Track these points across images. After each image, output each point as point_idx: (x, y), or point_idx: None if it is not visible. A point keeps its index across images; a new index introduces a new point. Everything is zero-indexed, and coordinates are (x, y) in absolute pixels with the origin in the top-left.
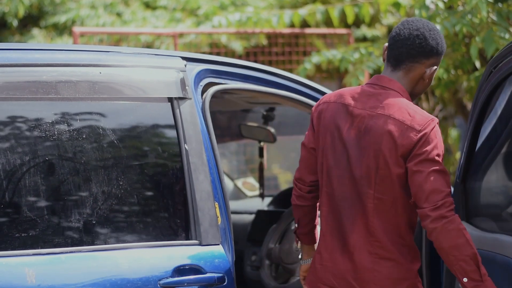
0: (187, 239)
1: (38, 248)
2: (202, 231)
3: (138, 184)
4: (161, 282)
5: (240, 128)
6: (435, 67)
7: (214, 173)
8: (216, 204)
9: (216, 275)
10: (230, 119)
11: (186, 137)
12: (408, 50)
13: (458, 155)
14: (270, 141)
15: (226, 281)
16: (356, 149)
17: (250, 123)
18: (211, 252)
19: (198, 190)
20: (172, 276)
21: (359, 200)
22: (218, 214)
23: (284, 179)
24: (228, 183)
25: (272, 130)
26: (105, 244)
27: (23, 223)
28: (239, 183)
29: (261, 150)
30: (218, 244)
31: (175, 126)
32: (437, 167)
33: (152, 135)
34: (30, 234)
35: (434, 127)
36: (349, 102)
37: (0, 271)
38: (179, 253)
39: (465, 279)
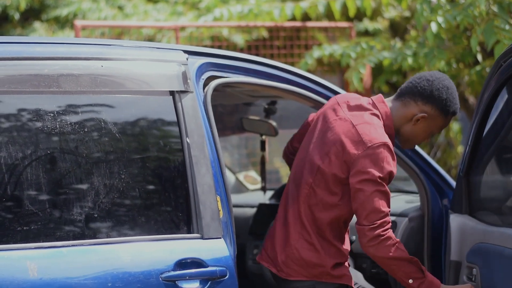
0: (189, 232)
1: (40, 242)
2: (204, 224)
3: (139, 178)
4: (163, 275)
5: (241, 122)
6: (424, 114)
7: (215, 166)
8: (218, 198)
9: (218, 268)
10: (232, 113)
11: (188, 130)
12: (412, 87)
13: (460, 148)
14: (272, 134)
15: (228, 274)
16: (319, 141)
17: (251, 117)
18: (213, 246)
19: (200, 183)
20: (174, 270)
21: (301, 184)
22: (220, 207)
23: (286, 173)
24: (229, 177)
25: (274, 123)
26: (107, 237)
27: (25, 216)
28: (241, 176)
29: (262, 143)
30: (220, 238)
31: (176, 120)
32: (380, 188)
33: (154, 129)
34: (32, 227)
35: (382, 150)
36: (342, 105)
37: (2, 264)
38: (181, 246)
39: (410, 281)
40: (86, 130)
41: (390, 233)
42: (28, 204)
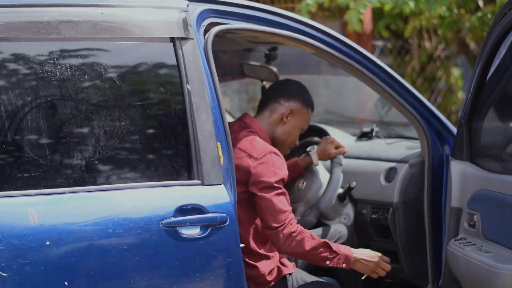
0: (190, 179)
1: (40, 188)
2: (204, 171)
3: (140, 125)
4: (164, 221)
5: (242, 67)
6: (292, 108)
7: (216, 113)
8: (219, 144)
9: (218, 215)
10: (232, 58)
11: (188, 77)
12: (269, 94)
13: (460, 94)
14: (272, 80)
15: (229, 221)
16: None
17: (252, 62)
18: (214, 192)
19: (200, 130)
20: (174, 216)
21: None
22: (220, 154)
23: None
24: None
25: (274, 69)
26: (108, 184)
27: (26, 163)
28: None
29: (263, 89)
30: (221, 184)
31: (177, 66)
32: (277, 191)
33: (154, 76)
34: (33, 174)
35: (270, 157)
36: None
37: (3, 211)
38: (181, 193)
39: (327, 262)
40: (86, 76)
41: (299, 227)
42: (28, 151)
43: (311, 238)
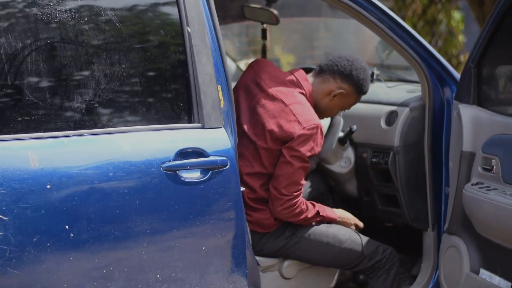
0: (190, 122)
1: (40, 132)
2: (205, 114)
3: (140, 68)
4: (164, 165)
5: (242, 10)
6: (342, 91)
7: (216, 55)
8: (219, 87)
9: (218, 158)
10: (233, 0)
11: (189, 19)
12: (332, 65)
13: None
14: (273, 23)
15: (229, 164)
16: (251, 118)
17: (253, 5)
18: (214, 135)
19: (201, 72)
20: (174, 159)
21: (241, 156)
22: (221, 97)
23: (286, 61)
24: (230, 65)
25: (275, 12)
26: (108, 127)
27: (26, 106)
28: (242, 64)
29: (264, 31)
30: (221, 127)
31: (177, 8)
32: (304, 164)
33: (154, 18)
34: (33, 117)
35: (315, 131)
36: (264, 77)
37: (3, 154)
38: (181, 136)
39: (313, 223)
40: (85, 19)
41: (299, 201)
42: (28, 94)
43: (306, 209)
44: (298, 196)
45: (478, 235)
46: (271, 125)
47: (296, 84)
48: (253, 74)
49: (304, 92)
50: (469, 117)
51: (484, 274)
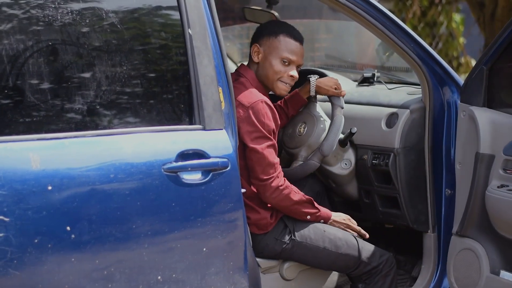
0: (191, 124)
1: (42, 133)
2: (206, 115)
3: (141, 70)
4: (165, 166)
5: (243, 11)
6: (255, 45)
7: (217, 57)
8: (220, 89)
9: (219, 160)
10: (234, 2)
11: (190, 21)
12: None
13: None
14: None
15: (230, 166)
16: None
17: (253, 7)
18: (215, 137)
19: (202, 74)
20: (176, 161)
21: None
22: (222, 98)
23: None
24: (231, 67)
25: (276, 13)
26: (109, 129)
27: (27, 108)
28: None
29: None
30: (222, 129)
31: (178, 10)
32: (267, 142)
33: (156, 20)
34: (34, 119)
35: (261, 106)
36: None
37: (4, 156)
38: (182, 138)
39: (308, 217)
40: (87, 20)
41: (286, 181)
42: (30, 95)
43: (297, 192)
44: (278, 175)
45: (501, 237)
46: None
47: (238, 77)
48: None
49: (246, 79)
50: (486, 119)
51: (507, 275)
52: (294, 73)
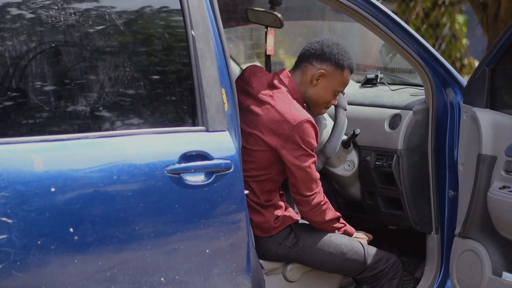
0: (194, 125)
1: (45, 135)
2: (209, 117)
3: (145, 71)
4: (168, 168)
5: (246, 13)
6: (321, 71)
7: (220, 59)
8: (223, 90)
9: (223, 161)
10: (237, 4)
11: (193, 23)
12: (305, 52)
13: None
14: (277, 26)
15: (233, 167)
16: (241, 122)
17: (256, 8)
18: (218, 138)
19: (205, 76)
20: (179, 163)
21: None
22: (225, 100)
23: (290, 64)
24: (234, 68)
25: (279, 15)
26: (112, 130)
27: (31, 109)
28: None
29: (265, 35)
30: (225, 131)
31: (181, 12)
32: (311, 159)
33: (159, 21)
34: (37, 120)
35: (307, 125)
36: (252, 82)
37: (8, 157)
38: (185, 139)
39: (336, 231)
40: (90, 22)
41: (325, 197)
42: (33, 97)
43: (331, 210)
44: (320, 190)
45: (503, 238)
46: (261, 128)
47: (280, 84)
48: (242, 83)
49: (288, 89)
50: (488, 121)
51: (509, 277)
52: (335, 100)
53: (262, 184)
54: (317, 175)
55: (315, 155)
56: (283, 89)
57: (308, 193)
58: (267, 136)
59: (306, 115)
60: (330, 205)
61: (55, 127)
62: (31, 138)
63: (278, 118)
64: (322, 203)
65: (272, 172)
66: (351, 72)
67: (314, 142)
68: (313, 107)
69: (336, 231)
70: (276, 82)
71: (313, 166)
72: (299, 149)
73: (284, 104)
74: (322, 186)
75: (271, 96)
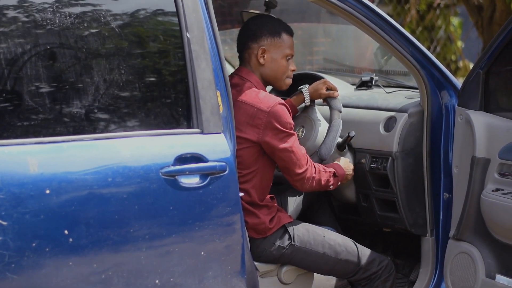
0: (189, 127)
1: (40, 137)
2: (204, 119)
3: (139, 73)
4: (163, 170)
5: (241, 15)
6: (262, 47)
7: (215, 61)
8: (218, 93)
9: (217, 163)
10: (232, 6)
11: (188, 25)
12: (239, 42)
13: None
14: None
15: (228, 169)
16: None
17: (251, 10)
18: (213, 141)
19: (200, 78)
20: (173, 165)
21: None
22: (220, 102)
23: None
24: (229, 71)
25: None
26: (107, 132)
27: (25, 111)
28: None
29: None
30: (220, 133)
31: (176, 14)
32: (293, 137)
33: (154, 23)
34: (32, 122)
35: (279, 108)
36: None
37: (2, 160)
38: (180, 141)
39: (331, 187)
40: (85, 24)
41: (314, 165)
42: (28, 99)
43: (324, 171)
44: (309, 163)
45: (496, 240)
46: (239, 127)
47: (244, 81)
48: None
49: (251, 83)
50: (482, 123)
51: (502, 279)
52: (293, 66)
53: (253, 182)
54: (303, 149)
55: (295, 132)
56: (247, 84)
57: (300, 170)
58: (246, 132)
59: (276, 99)
60: (321, 167)
61: (50, 129)
62: (26, 140)
63: (252, 111)
64: (314, 174)
65: (260, 166)
66: (289, 33)
67: (290, 120)
68: (276, 83)
69: (331, 186)
70: (239, 80)
71: (296, 143)
72: (280, 132)
73: (252, 95)
74: None
75: (238, 93)
